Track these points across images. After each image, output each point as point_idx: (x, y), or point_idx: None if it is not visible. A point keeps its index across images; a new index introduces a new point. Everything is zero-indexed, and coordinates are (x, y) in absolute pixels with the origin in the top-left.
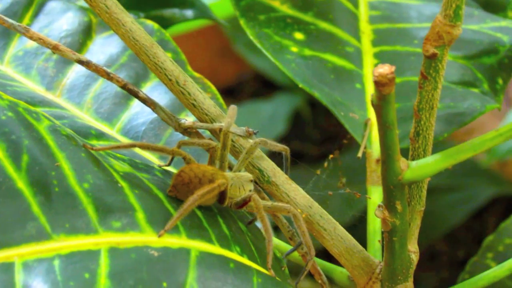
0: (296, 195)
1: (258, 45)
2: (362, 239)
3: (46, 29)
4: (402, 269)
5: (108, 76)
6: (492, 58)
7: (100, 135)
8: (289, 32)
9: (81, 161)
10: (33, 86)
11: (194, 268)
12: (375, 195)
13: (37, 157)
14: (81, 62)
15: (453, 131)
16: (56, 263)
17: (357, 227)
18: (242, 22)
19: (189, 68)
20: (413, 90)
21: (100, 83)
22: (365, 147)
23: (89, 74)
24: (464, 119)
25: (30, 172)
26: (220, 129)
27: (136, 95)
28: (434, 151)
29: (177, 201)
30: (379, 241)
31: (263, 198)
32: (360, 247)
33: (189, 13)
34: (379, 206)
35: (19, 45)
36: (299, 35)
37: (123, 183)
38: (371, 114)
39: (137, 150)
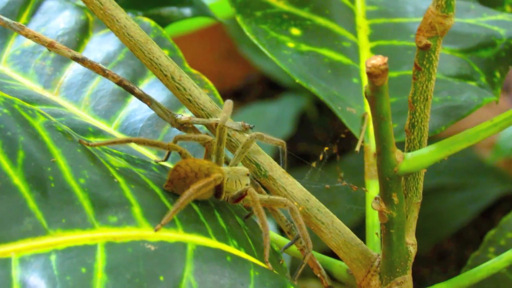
0: (293, 188)
1: (255, 41)
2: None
3: (43, 28)
4: (400, 262)
5: (104, 73)
6: (489, 51)
7: (98, 132)
8: (286, 28)
9: (77, 156)
10: (31, 84)
11: (191, 262)
12: (374, 189)
13: (33, 153)
14: (76, 59)
15: (450, 124)
16: (53, 258)
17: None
18: (238, 18)
19: (187, 65)
20: (410, 84)
21: (98, 81)
22: (362, 141)
23: (87, 72)
24: (462, 112)
25: (26, 168)
26: (216, 124)
27: (132, 91)
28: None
29: (174, 195)
30: (376, 233)
31: (260, 192)
32: (358, 240)
33: (187, 11)
34: (375, 198)
35: (16, 44)
36: (295, 31)
37: (119, 178)
38: (369, 108)
39: (136, 146)
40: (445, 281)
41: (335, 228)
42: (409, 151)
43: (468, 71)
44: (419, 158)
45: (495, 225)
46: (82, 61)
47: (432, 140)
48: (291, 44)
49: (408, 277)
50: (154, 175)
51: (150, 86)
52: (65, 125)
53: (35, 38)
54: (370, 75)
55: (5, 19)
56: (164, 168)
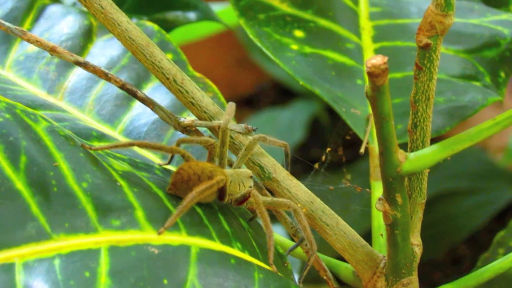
0: (297, 190)
1: (258, 44)
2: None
3: (47, 33)
4: (406, 263)
5: (106, 77)
6: (493, 51)
7: (101, 137)
8: (289, 30)
9: (80, 160)
10: (35, 90)
11: (194, 265)
12: (379, 191)
13: (35, 158)
14: (78, 63)
15: (455, 125)
16: (57, 262)
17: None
18: (241, 21)
19: (190, 68)
20: None
21: (102, 86)
22: (367, 143)
23: (91, 77)
24: (466, 112)
25: (29, 173)
26: (219, 126)
27: (134, 94)
28: None
29: (177, 198)
30: (381, 234)
31: (264, 195)
32: (363, 241)
33: (192, 15)
34: (379, 199)
35: (20, 49)
36: (299, 33)
37: (122, 182)
38: None
39: (140, 150)
40: (452, 282)
41: (340, 230)
42: (412, 151)
43: (473, 71)
44: (422, 158)
45: None
46: (84, 65)
47: (437, 140)
48: (294, 46)
49: (414, 278)
50: (157, 179)
51: (154, 90)
52: (68, 130)
53: (37, 43)
54: (370, 75)
55: (7, 24)
56: (167, 171)
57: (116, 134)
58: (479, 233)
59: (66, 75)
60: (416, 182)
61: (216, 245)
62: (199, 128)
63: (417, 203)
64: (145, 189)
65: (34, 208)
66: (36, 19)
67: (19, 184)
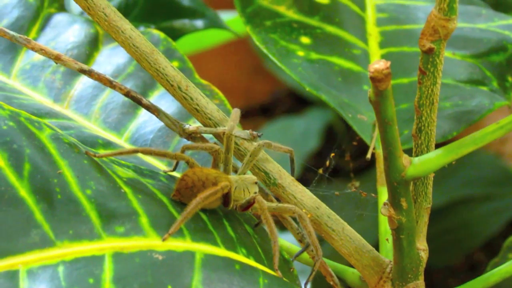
0: (303, 196)
1: (265, 51)
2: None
3: (53, 42)
4: (412, 267)
5: (111, 84)
6: (501, 56)
7: (107, 144)
8: (295, 37)
9: (84, 168)
10: (41, 98)
11: (199, 271)
12: (386, 196)
13: (39, 165)
14: (83, 71)
15: (462, 130)
16: (61, 269)
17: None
18: (248, 28)
19: (197, 76)
20: None
21: (108, 94)
22: (374, 148)
23: (96, 85)
24: (473, 117)
25: (32, 180)
26: (224, 133)
27: (139, 102)
28: None
29: (181, 205)
30: (386, 239)
31: (270, 201)
32: (369, 247)
33: (199, 23)
34: (384, 204)
35: (26, 58)
36: (305, 39)
37: (126, 189)
38: None
39: (146, 158)
40: (459, 286)
41: (346, 235)
42: (417, 155)
43: (480, 76)
44: (426, 162)
45: None
46: (89, 73)
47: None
48: (301, 53)
49: (421, 283)
50: (162, 185)
51: (160, 97)
52: (74, 138)
53: (41, 51)
54: (373, 79)
55: (11, 32)
56: (172, 178)
57: (122, 141)
58: (495, 239)
59: (72, 84)
60: (421, 187)
61: (221, 251)
62: (205, 135)
63: (423, 207)
64: (150, 195)
65: (38, 215)
66: (42, 28)
67: (23, 192)
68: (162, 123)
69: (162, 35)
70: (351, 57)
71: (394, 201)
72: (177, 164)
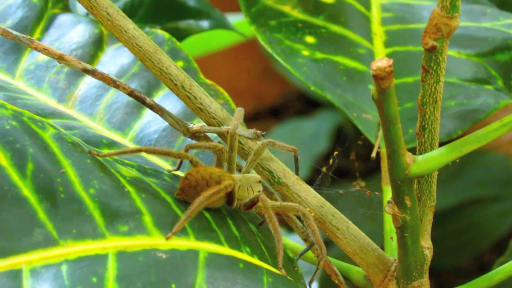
0: (307, 195)
1: (269, 50)
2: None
3: (57, 42)
4: (416, 266)
5: (115, 84)
6: (506, 55)
7: (112, 144)
8: (300, 36)
9: (87, 167)
10: (45, 99)
11: (203, 269)
12: (391, 194)
13: (42, 165)
14: (86, 71)
15: (467, 128)
16: (64, 268)
17: None
18: (253, 28)
19: (202, 76)
20: None
21: (112, 94)
22: (379, 147)
23: (101, 85)
24: (478, 115)
25: (35, 180)
26: (227, 132)
27: (143, 101)
28: None
29: (185, 204)
30: (391, 238)
31: (275, 200)
32: (374, 245)
33: (205, 24)
34: (388, 202)
35: (30, 59)
36: (310, 39)
37: (129, 188)
38: None
39: (151, 157)
40: (463, 285)
41: (351, 234)
42: (420, 154)
43: (485, 75)
44: (430, 160)
45: None
46: (92, 73)
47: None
48: (305, 52)
49: (425, 281)
50: (166, 184)
51: (165, 97)
52: (78, 138)
53: (44, 51)
54: (376, 77)
55: (15, 32)
56: (176, 177)
57: (127, 141)
58: (505, 239)
59: (76, 84)
60: (425, 185)
61: (225, 250)
62: (209, 134)
63: (427, 205)
64: (153, 194)
65: (41, 215)
66: (46, 29)
67: (26, 191)
68: (166, 123)
69: (166, 35)
70: (356, 56)
71: (398, 199)
72: (181, 163)
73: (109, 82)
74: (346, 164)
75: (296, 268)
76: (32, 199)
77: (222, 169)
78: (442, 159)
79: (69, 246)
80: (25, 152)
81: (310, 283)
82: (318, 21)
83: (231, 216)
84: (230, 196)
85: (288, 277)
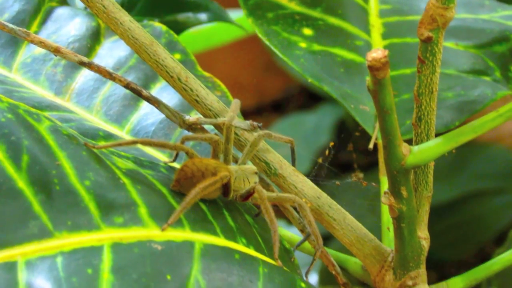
0: (303, 186)
1: (267, 42)
2: None
3: (54, 35)
4: (413, 256)
5: (111, 76)
6: (504, 46)
7: (108, 137)
8: (298, 29)
9: (82, 159)
10: (42, 91)
11: (198, 260)
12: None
13: (38, 157)
14: (82, 63)
15: (464, 119)
16: (59, 260)
17: None
18: (250, 20)
19: (199, 68)
20: None
21: (109, 86)
22: (376, 138)
23: (98, 78)
24: (476, 106)
25: (31, 172)
26: (224, 123)
27: (139, 93)
28: None
29: (181, 195)
30: (387, 228)
31: (271, 191)
32: (371, 236)
33: (203, 16)
34: (385, 192)
35: (27, 52)
36: (307, 31)
37: (125, 180)
38: None
39: (148, 149)
40: (461, 274)
41: (347, 225)
42: (417, 144)
43: (482, 66)
44: (426, 150)
45: None
46: (88, 65)
47: None
48: (303, 44)
49: (422, 271)
50: (162, 176)
51: (162, 90)
52: (74, 130)
53: (40, 43)
54: (371, 68)
55: (10, 25)
56: (172, 169)
57: (124, 134)
58: (507, 232)
59: (73, 77)
60: (421, 175)
61: (221, 241)
62: (206, 126)
63: (423, 196)
64: (149, 186)
65: (36, 207)
66: (43, 22)
67: (21, 183)
68: (163, 115)
69: (164, 28)
70: (353, 48)
71: (394, 189)
72: (177, 155)
73: (105, 74)
74: (348, 157)
75: (292, 259)
76: (27, 191)
77: (218, 161)
78: (438, 150)
79: (64, 238)
80: (20, 145)
81: (306, 273)
82: (315, 13)
83: (227, 207)
84: (226, 188)
85: (284, 268)
